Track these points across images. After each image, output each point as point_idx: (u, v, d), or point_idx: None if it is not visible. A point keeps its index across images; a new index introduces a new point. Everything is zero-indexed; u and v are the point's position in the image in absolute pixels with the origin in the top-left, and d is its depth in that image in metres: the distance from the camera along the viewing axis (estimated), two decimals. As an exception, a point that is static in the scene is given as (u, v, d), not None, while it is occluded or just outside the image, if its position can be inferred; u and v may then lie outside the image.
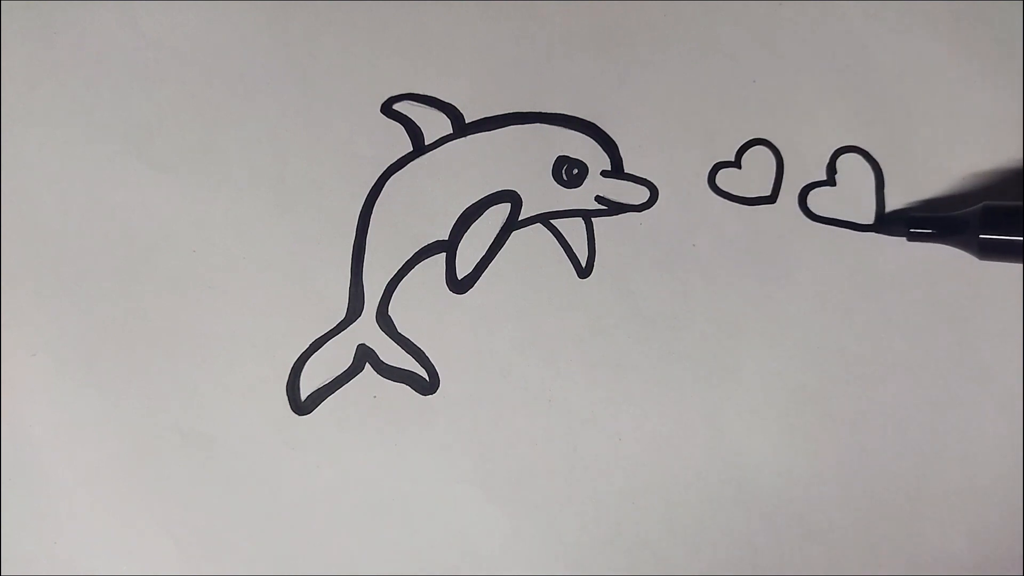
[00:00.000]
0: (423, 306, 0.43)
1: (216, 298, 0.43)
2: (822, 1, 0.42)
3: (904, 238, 0.40)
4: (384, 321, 0.43)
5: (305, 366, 0.43)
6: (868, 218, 0.41)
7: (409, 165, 0.43)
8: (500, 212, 0.43)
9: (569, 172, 0.42)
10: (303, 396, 0.43)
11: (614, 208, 0.42)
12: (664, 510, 0.42)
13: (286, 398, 0.43)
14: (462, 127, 0.43)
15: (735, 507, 0.42)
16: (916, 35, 0.41)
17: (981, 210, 0.38)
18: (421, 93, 0.43)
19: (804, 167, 0.42)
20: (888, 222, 0.41)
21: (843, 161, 0.41)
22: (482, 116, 0.43)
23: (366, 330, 0.43)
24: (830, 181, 0.42)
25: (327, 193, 0.43)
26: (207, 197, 0.43)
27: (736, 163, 0.42)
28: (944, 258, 0.41)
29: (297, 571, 0.43)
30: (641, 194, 0.42)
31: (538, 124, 0.42)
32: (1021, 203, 0.38)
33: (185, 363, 0.43)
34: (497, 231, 0.43)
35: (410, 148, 0.43)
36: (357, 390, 0.43)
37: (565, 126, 0.42)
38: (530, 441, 0.43)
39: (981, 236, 0.38)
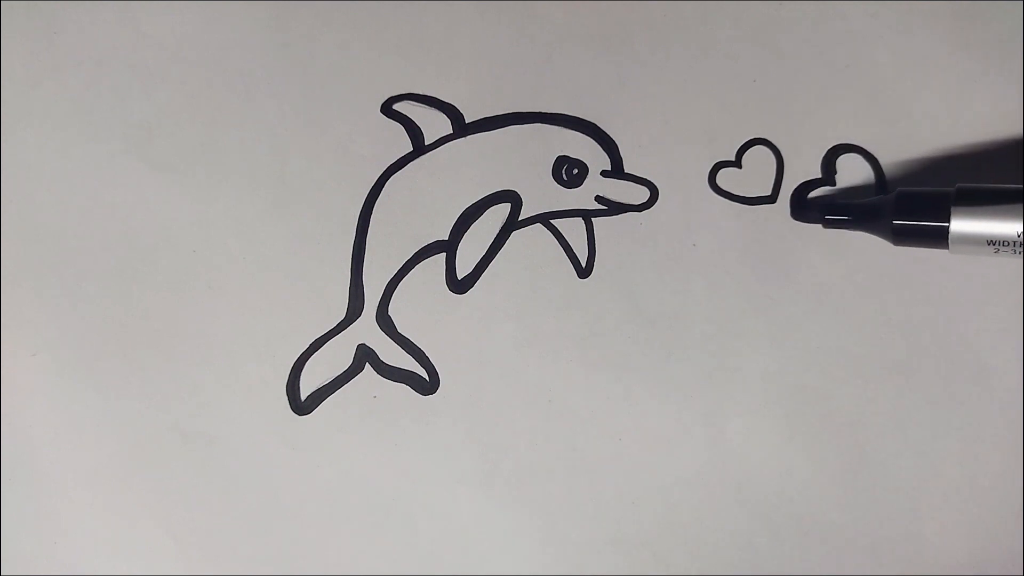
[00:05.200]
0: (423, 306, 0.43)
1: (216, 298, 0.43)
2: (822, 1, 0.41)
3: (820, 225, 0.41)
4: (384, 321, 0.43)
5: (305, 366, 0.43)
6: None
7: (409, 165, 0.43)
8: (500, 212, 0.43)
9: (569, 172, 0.42)
10: (303, 396, 0.43)
11: (614, 208, 0.42)
12: (664, 510, 0.42)
13: (286, 398, 0.43)
14: (462, 127, 0.43)
15: (735, 507, 0.42)
16: (916, 35, 0.41)
17: (895, 196, 0.39)
18: (421, 93, 0.43)
19: (805, 167, 0.42)
20: (803, 208, 0.41)
21: (842, 161, 0.41)
22: (482, 116, 0.43)
23: (366, 330, 0.43)
24: (829, 181, 0.42)
25: (327, 193, 0.43)
26: (207, 197, 0.43)
27: (736, 163, 0.42)
28: (944, 257, 0.41)
29: (297, 571, 0.43)
30: (641, 194, 0.42)
31: (538, 124, 0.42)
32: (933, 189, 0.39)
33: (185, 363, 0.43)
34: (497, 231, 0.43)
35: (410, 148, 0.43)
36: (357, 390, 0.43)
37: (565, 126, 0.42)
38: (530, 441, 0.43)
39: (895, 222, 0.38)
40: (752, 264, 0.42)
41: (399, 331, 0.43)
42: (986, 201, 0.37)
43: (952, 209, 0.37)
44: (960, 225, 0.37)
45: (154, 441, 0.43)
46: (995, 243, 0.37)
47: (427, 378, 0.43)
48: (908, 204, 0.38)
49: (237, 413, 0.43)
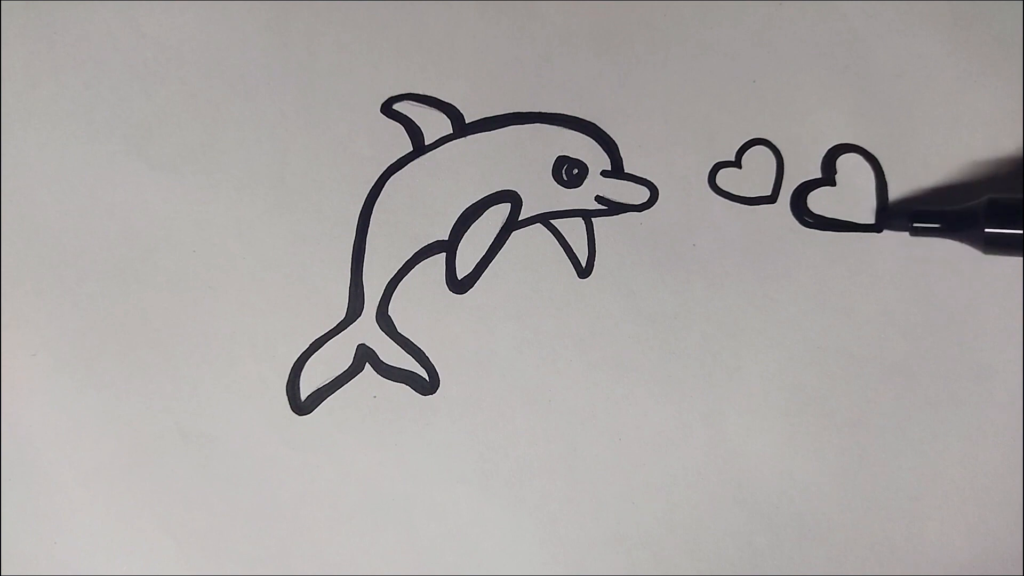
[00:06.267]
0: (423, 306, 0.43)
1: (216, 298, 0.43)
2: (822, 1, 0.42)
3: (907, 233, 0.40)
4: (384, 321, 0.43)
5: (305, 366, 0.43)
6: (868, 218, 0.41)
7: (409, 165, 0.43)
8: (500, 212, 0.43)
9: (569, 172, 0.42)
10: (303, 396, 0.43)
11: (614, 208, 0.42)
12: (664, 510, 0.42)
13: (286, 398, 0.43)
14: (462, 127, 0.43)
15: (735, 507, 0.42)
16: (916, 35, 0.41)
17: (986, 203, 0.38)
18: (421, 93, 0.43)
19: (805, 167, 0.42)
20: (891, 216, 0.41)
21: (843, 161, 0.41)
22: (482, 116, 0.43)
23: (366, 330, 0.43)
24: (829, 181, 0.42)
25: (327, 193, 0.43)
26: (207, 197, 0.43)
27: (736, 163, 0.42)
28: (944, 258, 0.41)
29: (297, 571, 0.43)
30: (641, 194, 0.42)
31: (538, 124, 0.42)
32: None
33: (185, 363, 0.43)
34: (497, 231, 0.43)
35: (410, 148, 0.43)
36: (357, 390, 0.43)
37: (565, 126, 0.42)
38: (530, 441, 0.43)
39: (987, 230, 0.38)
40: (752, 264, 0.42)
41: (399, 331, 0.43)
42: None
43: None
44: None
45: (154, 441, 0.43)
46: None
47: (427, 378, 0.43)
48: (1000, 211, 0.38)
49: (237, 413, 0.43)
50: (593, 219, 0.42)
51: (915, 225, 0.39)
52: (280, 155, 0.43)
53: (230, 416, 0.43)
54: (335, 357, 0.43)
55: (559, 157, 0.42)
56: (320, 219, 0.43)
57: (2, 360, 0.43)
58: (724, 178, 0.42)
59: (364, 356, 0.43)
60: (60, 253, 0.43)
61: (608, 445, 0.42)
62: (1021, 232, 0.37)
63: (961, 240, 0.39)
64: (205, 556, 0.44)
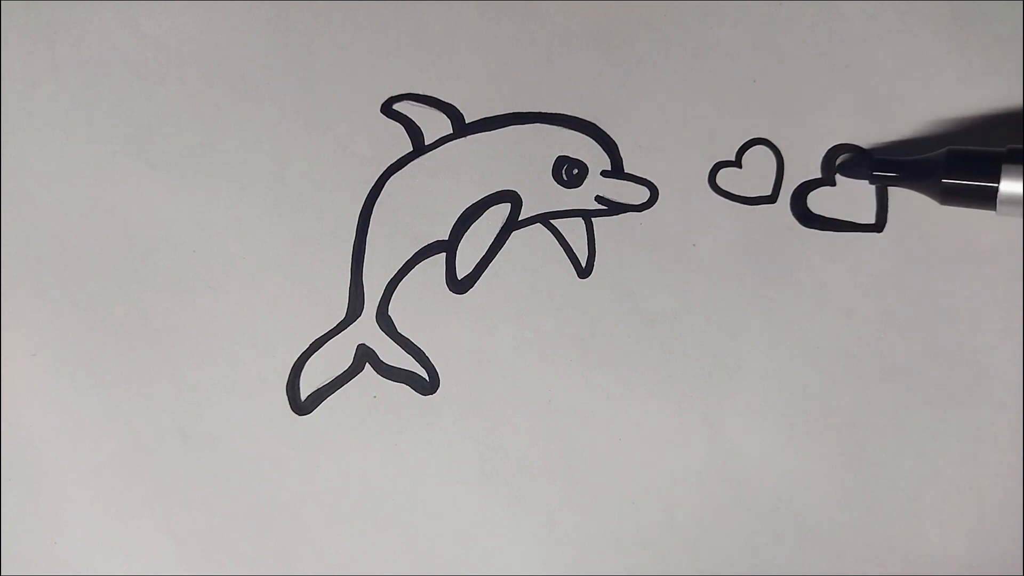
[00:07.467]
0: (423, 306, 0.43)
1: (216, 298, 0.43)
2: (822, 1, 0.41)
3: (867, 181, 0.40)
4: (384, 321, 0.43)
5: (305, 366, 0.43)
6: (868, 218, 0.41)
7: (409, 165, 0.43)
8: (500, 212, 0.43)
9: (569, 172, 0.42)
10: (303, 396, 0.43)
11: (614, 208, 0.42)
12: (664, 510, 0.42)
13: (286, 398, 0.43)
14: (462, 127, 0.43)
15: (735, 507, 0.42)
16: (916, 35, 0.41)
17: (945, 154, 0.38)
18: (421, 93, 0.43)
19: (805, 167, 0.42)
20: (850, 165, 0.41)
21: (843, 161, 0.41)
22: (482, 116, 0.43)
23: (366, 330, 0.43)
24: (829, 181, 0.42)
25: (327, 193, 0.43)
26: (207, 197, 0.43)
27: (736, 163, 0.42)
28: (944, 257, 0.41)
29: (297, 571, 0.43)
30: (641, 194, 0.42)
31: (538, 124, 0.42)
32: (986, 148, 0.38)
33: (185, 363, 0.43)
34: (497, 231, 0.43)
35: (410, 148, 0.43)
36: (357, 390, 0.43)
37: (565, 126, 0.42)
38: (530, 441, 0.43)
39: (944, 180, 0.38)
40: (752, 264, 0.42)
41: (399, 331, 0.43)
42: None
43: (1003, 168, 0.37)
44: (1009, 186, 0.37)
45: (154, 441, 0.43)
46: None
47: (427, 378, 0.43)
48: (959, 163, 0.38)
49: (237, 413, 0.43)
50: (593, 219, 0.42)
51: (875, 174, 0.40)
52: (280, 155, 0.43)
53: (230, 416, 0.43)
54: (335, 357, 0.43)
55: (559, 157, 0.42)
56: (320, 219, 0.43)
57: (2, 360, 0.43)
58: (724, 178, 0.42)
59: (364, 356, 0.43)
60: (60, 253, 0.43)
61: (608, 445, 0.42)
62: (977, 183, 0.38)
63: (919, 190, 0.40)
64: (205, 556, 0.44)
